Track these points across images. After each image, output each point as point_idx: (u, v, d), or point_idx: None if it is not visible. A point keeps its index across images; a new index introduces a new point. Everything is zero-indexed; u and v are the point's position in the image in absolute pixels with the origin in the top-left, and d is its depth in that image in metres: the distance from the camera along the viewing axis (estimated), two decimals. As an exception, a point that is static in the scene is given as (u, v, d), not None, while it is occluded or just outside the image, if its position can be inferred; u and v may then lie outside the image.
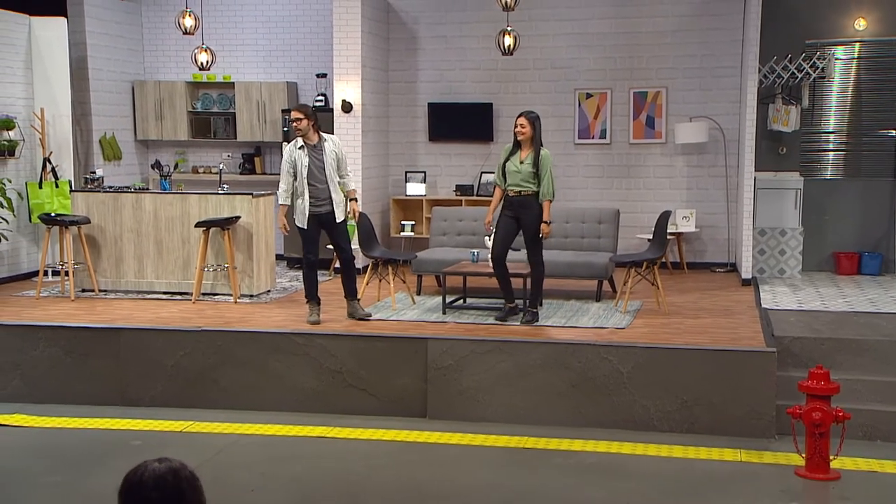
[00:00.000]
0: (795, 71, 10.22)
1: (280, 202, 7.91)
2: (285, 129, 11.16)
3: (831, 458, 5.97)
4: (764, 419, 6.71)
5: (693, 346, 6.97)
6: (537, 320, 7.81)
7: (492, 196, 7.97)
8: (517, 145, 7.81)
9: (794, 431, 6.11)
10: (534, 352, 7.08)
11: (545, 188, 7.68)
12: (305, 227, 7.78)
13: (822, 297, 9.17)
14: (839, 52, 10.53)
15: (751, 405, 6.74)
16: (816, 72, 10.26)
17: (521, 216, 7.76)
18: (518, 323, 7.78)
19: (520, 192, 7.74)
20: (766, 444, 6.59)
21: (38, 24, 10.29)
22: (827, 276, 10.51)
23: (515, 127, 7.81)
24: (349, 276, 8.02)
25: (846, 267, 10.57)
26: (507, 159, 7.80)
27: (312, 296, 7.93)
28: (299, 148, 7.72)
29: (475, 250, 8.79)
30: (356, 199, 8.11)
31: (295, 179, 7.76)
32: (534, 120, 7.79)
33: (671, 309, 8.46)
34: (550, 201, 7.69)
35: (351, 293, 8.06)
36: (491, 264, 7.91)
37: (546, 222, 7.68)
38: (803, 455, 6.03)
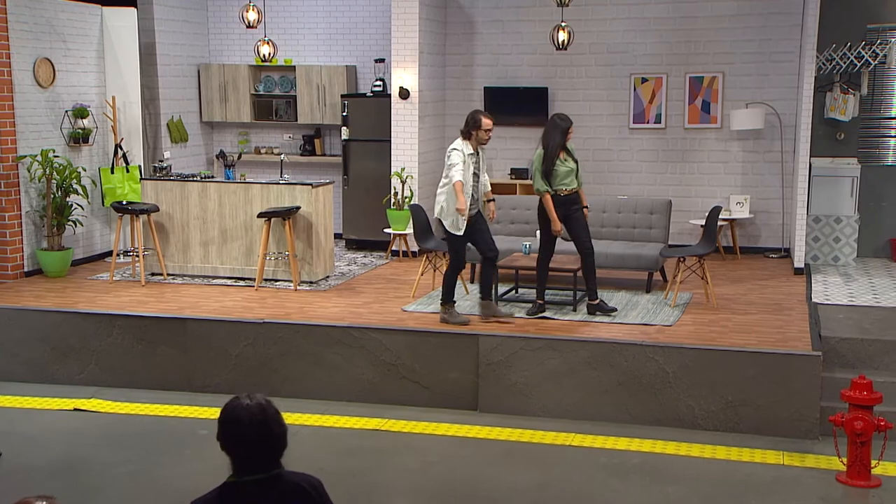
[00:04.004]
0: (854, 59, 10.11)
1: (462, 183, 7.58)
2: (344, 113, 11.41)
3: (873, 464, 6.12)
4: (807, 421, 6.86)
5: (738, 348, 7.11)
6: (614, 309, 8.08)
7: (543, 204, 7.93)
8: (563, 149, 7.95)
9: (836, 437, 6.26)
10: (581, 350, 7.30)
11: (581, 178, 8.15)
12: (462, 234, 7.71)
13: (874, 288, 9.18)
14: (902, 36, 10.37)
15: (795, 407, 6.88)
16: (876, 59, 10.13)
17: (571, 212, 7.99)
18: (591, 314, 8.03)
19: (571, 189, 7.98)
20: (810, 446, 6.74)
21: (110, 15, 10.66)
22: (882, 263, 10.48)
23: (569, 133, 7.95)
24: (488, 275, 7.95)
25: (903, 254, 10.53)
26: (551, 164, 7.89)
27: (451, 297, 7.90)
28: (469, 154, 7.67)
29: (527, 242, 8.99)
30: (493, 200, 8.18)
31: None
32: None
33: (720, 302, 8.58)
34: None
35: (486, 293, 7.94)
36: (540, 263, 8.10)
37: (586, 206, 8.14)
38: (844, 460, 6.18)
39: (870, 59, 10.13)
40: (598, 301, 8.12)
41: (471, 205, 7.73)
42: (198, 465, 6.46)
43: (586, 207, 8.14)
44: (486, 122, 7.68)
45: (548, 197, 7.93)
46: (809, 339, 7.35)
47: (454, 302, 7.92)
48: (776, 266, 10.43)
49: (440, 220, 7.92)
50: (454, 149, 7.70)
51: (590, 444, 6.78)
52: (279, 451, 2.92)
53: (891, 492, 6.03)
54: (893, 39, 10.31)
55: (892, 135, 10.66)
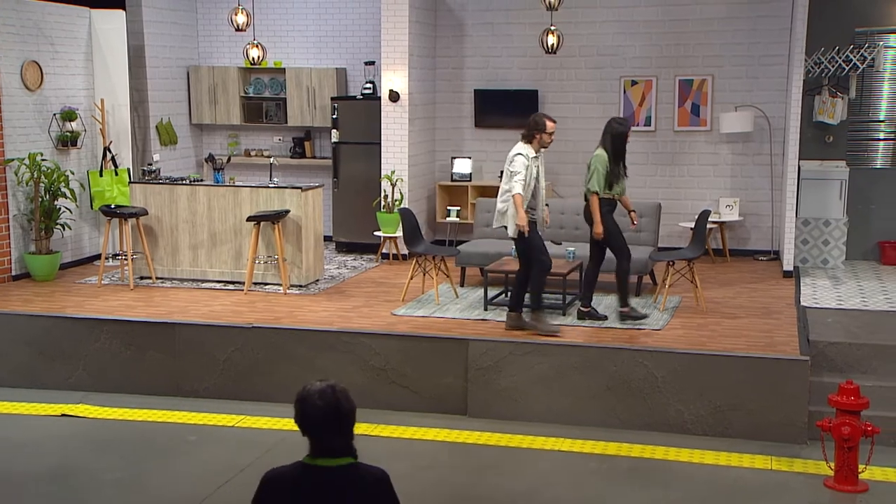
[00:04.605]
0: (843, 63, 10.15)
1: (522, 197, 7.43)
2: (334, 116, 11.40)
3: (860, 468, 6.14)
4: (796, 426, 6.88)
5: (727, 352, 7.13)
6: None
7: (589, 206, 7.85)
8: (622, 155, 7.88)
9: (824, 442, 6.28)
10: (571, 355, 7.30)
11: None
12: (529, 233, 7.52)
13: (862, 291, 9.22)
14: (890, 40, 10.42)
15: (783, 412, 6.90)
16: (864, 63, 10.17)
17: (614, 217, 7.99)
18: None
19: (621, 194, 7.98)
20: (798, 450, 6.76)
21: (98, 17, 10.63)
22: (871, 266, 10.53)
23: (628, 139, 7.89)
24: (523, 285, 7.74)
25: (891, 257, 10.57)
26: (619, 169, 7.84)
27: (541, 303, 7.72)
28: (533, 158, 7.54)
29: (517, 246, 8.98)
30: (548, 205, 8.11)
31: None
32: None
33: (709, 306, 8.59)
34: None
35: (535, 303, 7.69)
36: (593, 269, 8.09)
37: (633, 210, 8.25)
38: (832, 465, 6.20)
39: (858, 63, 10.17)
40: (627, 309, 7.99)
41: (534, 209, 7.61)
42: (186, 471, 6.44)
43: (633, 211, 8.10)
44: (551, 124, 7.56)
45: (596, 198, 7.78)
46: (798, 343, 7.37)
47: (543, 308, 7.72)
48: (765, 269, 10.46)
49: (504, 228, 7.69)
50: (519, 154, 7.50)
51: (579, 449, 6.79)
52: (349, 429, 3.09)
53: (878, 497, 6.06)
54: (881, 43, 10.36)
55: (881, 138, 10.71)
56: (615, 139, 7.82)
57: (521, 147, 7.57)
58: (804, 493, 6.11)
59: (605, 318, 8.08)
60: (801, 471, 6.42)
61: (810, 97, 10.46)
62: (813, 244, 10.47)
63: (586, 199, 7.91)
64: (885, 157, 10.75)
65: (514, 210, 7.47)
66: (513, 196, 7.43)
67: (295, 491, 3.07)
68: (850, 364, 7.35)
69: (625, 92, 11.26)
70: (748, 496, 6.08)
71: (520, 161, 7.47)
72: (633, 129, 11.18)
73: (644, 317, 7.99)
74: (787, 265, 9.98)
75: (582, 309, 8.11)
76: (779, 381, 6.93)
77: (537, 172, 7.61)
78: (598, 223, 7.80)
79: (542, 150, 7.65)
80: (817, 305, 8.62)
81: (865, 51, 10.18)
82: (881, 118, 10.66)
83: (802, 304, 8.66)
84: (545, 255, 7.64)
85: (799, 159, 10.10)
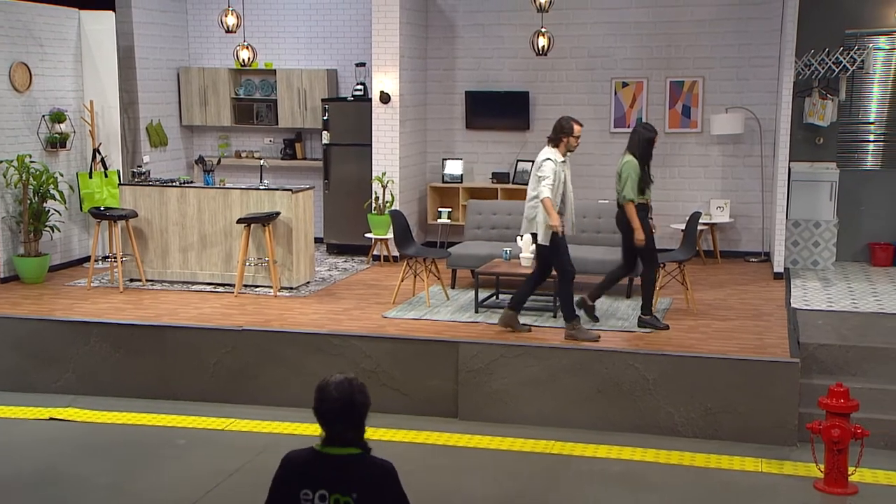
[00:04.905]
0: (832, 65, 10.17)
1: (551, 200, 7.38)
2: (325, 117, 11.38)
3: (850, 470, 6.14)
4: (786, 428, 6.88)
5: (717, 355, 7.13)
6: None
7: (626, 214, 7.78)
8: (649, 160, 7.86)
9: (814, 445, 6.28)
10: (561, 357, 7.30)
11: None
12: (556, 241, 7.47)
13: (852, 293, 9.24)
14: (880, 42, 10.45)
15: (774, 414, 6.90)
16: (854, 65, 10.19)
17: (646, 221, 7.96)
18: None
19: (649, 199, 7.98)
20: (788, 452, 6.76)
21: (88, 18, 10.58)
22: (861, 267, 10.56)
23: (655, 143, 7.86)
24: (566, 291, 7.60)
25: (881, 258, 10.61)
26: (648, 174, 7.81)
27: (575, 312, 7.60)
28: (561, 162, 7.49)
29: (507, 248, 8.97)
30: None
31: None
32: None
33: (700, 308, 8.60)
34: None
35: (569, 313, 7.58)
36: (619, 273, 8.07)
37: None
38: (822, 467, 6.21)
39: (847, 65, 10.20)
40: (649, 317, 7.92)
41: (563, 214, 7.54)
42: (176, 475, 6.41)
43: (652, 219, 8.08)
44: (578, 128, 7.51)
45: (632, 206, 7.72)
46: (788, 345, 7.38)
47: (578, 317, 7.63)
48: (756, 270, 10.47)
49: (533, 235, 7.61)
50: (547, 159, 7.43)
51: (569, 451, 6.78)
52: (360, 422, 3.26)
53: (867, 499, 6.07)
54: (871, 45, 10.38)
55: (870, 139, 10.74)
56: (644, 144, 7.79)
57: (549, 151, 7.51)
58: (794, 496, 6.11)
59: (598, 320, 8.06)
60: (791, 473, 6.43)
61: (800, 99, 10.48)
62: (803, 246, 10.49)
63: (619, 206, 7.86)
64: (875, 158, 10.78)
65: (542, 216, 7.41)
66: (542, 200, 7.37)
67: (304, 474, 3.23)
68: (840, 366, 7.37)
69: (615, 93, 11.26)
70: (738, 499, 6.08)
71: (548, 166, 7.42)
72: (623, 130, 11.25)
73: (665, 328, 7.87)
74: (778, 267, 9.99)
75: (588, 301, 8.03)
76: (769, 384, 6.93)
77: (564, 177, 7.56)
78: (639, 229, 7.74)
79: (569, 153, 7.59)
80: (807, 307, 8.63)
81: (855, 53, 10.21)
82: (871, 120, 10.68)
83: (793, 305, 8.67)
84: (570, 263, 7.58)
85: (789, 161, 10.12)
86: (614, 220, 8.09)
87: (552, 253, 7.55)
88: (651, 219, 8.05)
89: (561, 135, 7.51)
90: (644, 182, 7.78)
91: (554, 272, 7.76)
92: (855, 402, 6.13)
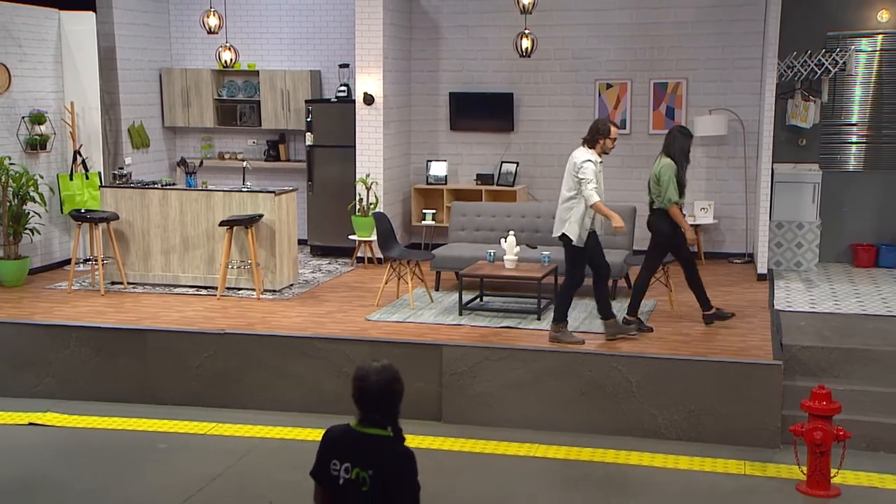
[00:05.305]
0: (815, 66, 10.21)
1: (598, 198, 7.29)
2: (308, 119, 11.33)
3: (833, 472, 6.15)
4: (769, 430, 6.89)
5: (700, 357, 7.13)
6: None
7: (673, 215, 7.78)
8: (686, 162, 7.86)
9: (797, 447, 6.29)
10: (545, 360, 7.28)
11: None
12: (584, 246, 7.43)
13: (835, 295, 9.27)
14: (862, 44, 10.49)
15: (757, 416, 6.91)
16: (836, 66, 10.23)
17: None
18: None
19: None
20: (771, 455, 6.77)
21: (68, 19, 10.49)
22: (843, 268, 10.59)
23: (690, 149, 7.85)
24: (604, 293, 7.65)
25: (863, 259, 10.65)
26: (684, 176, 7.81)
27: (565, 316, 7.58)
28: (599, 163, 7.42)
29: (491, 250, 8.95)
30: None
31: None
32: None
33: (684, 310, 8.60)
34: None
35: (606, 313, 7.62)
36: (691, 278, 7.99)
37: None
38: (804, 469, 6.21)
39: (830, 67, 10.24)
40: (713, 311, 7.99)
41: (593, 218, 7.44)
42: (157, 480, 6.36)
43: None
44: (615, 130, 7.45)
45: (676, 208, 7.71)
46: (771, 347, 7.39)
47: (567, 321, 7.60)
48: (740, 272, 10.49)
49: (561, 238, 7.50)
50: (587, 160, 7.31)
51: (553, 455, 6.76)
52: (394, 408, 3.46)
53: (850, 501, 6.07)
54: (853, 47, 10.43)
55: (853, 141, 10.78)
56: (682, 147, 7.77)
57: (587, 153, 7.41)
58: (777, 499, 6.12)
59: (651, 329, 7.90)
60: (774, 475, 6.43)
61: (783, 101, 10.52)
62: (787, 247, 10.52)
63: (651, 209, 7.85)
64: (858, 160, 10.83)
65: (577, 217, 7.34)
66: (593, 206, 7.28)
67: (336, 446, 3.48)
68: (823, 368, 7.38)
69: (599, 95, 11.26)
70: (721, 502, 6.07)
71: (590, 168, 7.30)
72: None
73: (731, 315, 8.02)
74: (761, 268, 10.02)
75: (628, 317, 7.86)
76: (752, 386, 6.94)
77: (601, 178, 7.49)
78: (688, 228, 7.78)
79: (604, 154, 7.53)
80: (791, 309, 8.65)
81: (837, 55, 10.24)
82: (853, 121, 10.73)
83: (776, 307, 8.69)
84: (584, 271, 7.52)
85: (772, 162, 10.14)
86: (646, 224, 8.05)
87: (577, 256, 7.46)
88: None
89: (598, 136, 7.44)
90: (681, 183, 7.77)
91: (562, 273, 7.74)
92: (837, 405, 6.13)
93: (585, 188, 7.29)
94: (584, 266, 7.50)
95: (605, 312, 7.64)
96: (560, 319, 7.54)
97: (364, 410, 3.45)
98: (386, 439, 3.44)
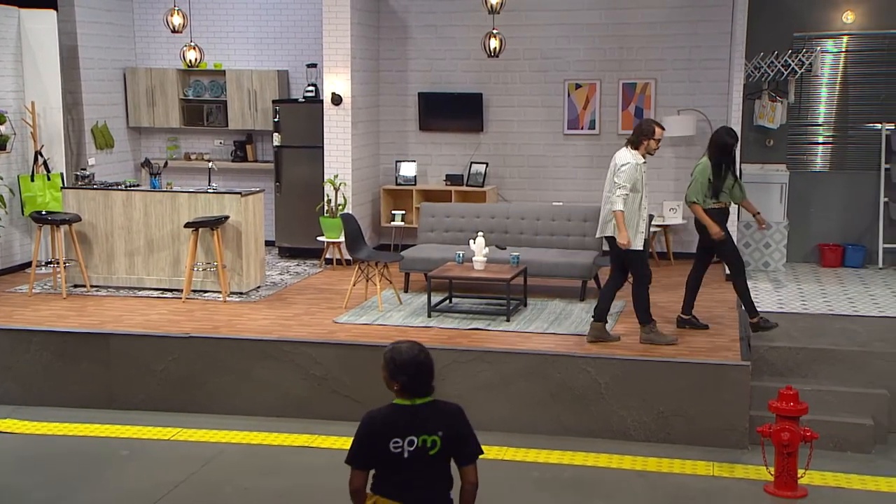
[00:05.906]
0: (782, 67, 10.26)
1: (621, 207, 7.21)
2: (276, 119, 11.21)
3: (800, 473, 6.16)
4: (737, 431, 6.89)
5: (668, 358, 7.12)
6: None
7: (695, 213, 7.77)
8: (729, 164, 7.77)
9: (764, 448, 6.29)
10: (514, 362, 7.23)
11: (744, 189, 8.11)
12: (642, 248, 7.36)
13: (802, 295, 9.31)
14: (828, 45, 10.56)
15: (725, 417, 6.91)
16: (803, 67, 10.29)
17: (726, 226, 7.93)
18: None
19: (729, 203, 7.91)
20: (739, 455, 6.77)
21: (28, 17, 10.30)
22: (811, 268, 10.65)
23: (733, 148, 7.75)
24: (609, 296, 7.56)
25: (830, 259, 10.71)
26: (722, 180, 7.69)
27: (651, 317, 7.51)
28: (642, 163, 7.30)
29: (460, 251, 8.90)
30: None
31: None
32: None
33: (653, 311, 8.55)
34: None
35: (645, 317, 7.51)
36: (737, 281, 7.88)
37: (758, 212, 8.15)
38: (772, 470, 6.22)
39: (796, 68, 10.29)
40: (757, 319, 7.79)
41: (642, 216, 7.35)
42: (118, 487, 6.23)
43: (759, 213, 8.07)
44: (660, 131, 7.33)
45: (698, 207, 7.67)
46: (739, 348, 7.39)
47: (655, 320, 7.53)
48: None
49: (606, 239, 7.46)
50: (627, 163, 7.19)
51: (522, 457, 6.72)
52: (431, 377, 3.79)
53: (816, 502, 6.08)
54: (818, 48, 10.49)
55: (819, 141, 10.85)
56: (720, 149, 7.68)
57: (629, 155, 7.29)
58: (744, 499, 6.11)
59: (707, 327, 7.90)
60: (742, 476, 6.43)
61: (751, 101, 10.55)
62: (755, 247, 10.55)
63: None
64: (824, 160, 10.89)
65: (632, 216, 7.29)
66: (613, 213, 7.23)
67: (392, 426, 3.72)
68: (791, 368, 7.40)
69: (569, 95, 11.24)
70: (690, 503, 6.06)
71: (626, 173, 7.18)
72: (576, 132, 11.25)
73: (774, 325, 7.80)
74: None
75: (682, 316, 7.93)
76: (720, 387, 6.94)
77: (643, 180, 7.37)
78: (712, 225, 7.68)
79: (648, 155, 7.42)
80: (759, 309, 8.64)
81: (804, 56, 10.30)
82: (820, 122, 10.79)
83: (744, 308, 8.69)
84: (648, 268, 7.50)
85: (740, 163, 10.16)
86: (694, 224, 8.02)
87: (635, 257, 7.39)
88: (758, 214, 8.00)
89: (642, 137, 7.34)
90: (717, 186, 7.68)
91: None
92: (804, 405, 6.14)
93: (615, 191, 7.23)
94: (646, 264, 7.50)
95: (599, 315, 7.60)
96: (646, 321, 7.48)
97: (422, 384, 3.75)
98: (436, 403, 3.80)
